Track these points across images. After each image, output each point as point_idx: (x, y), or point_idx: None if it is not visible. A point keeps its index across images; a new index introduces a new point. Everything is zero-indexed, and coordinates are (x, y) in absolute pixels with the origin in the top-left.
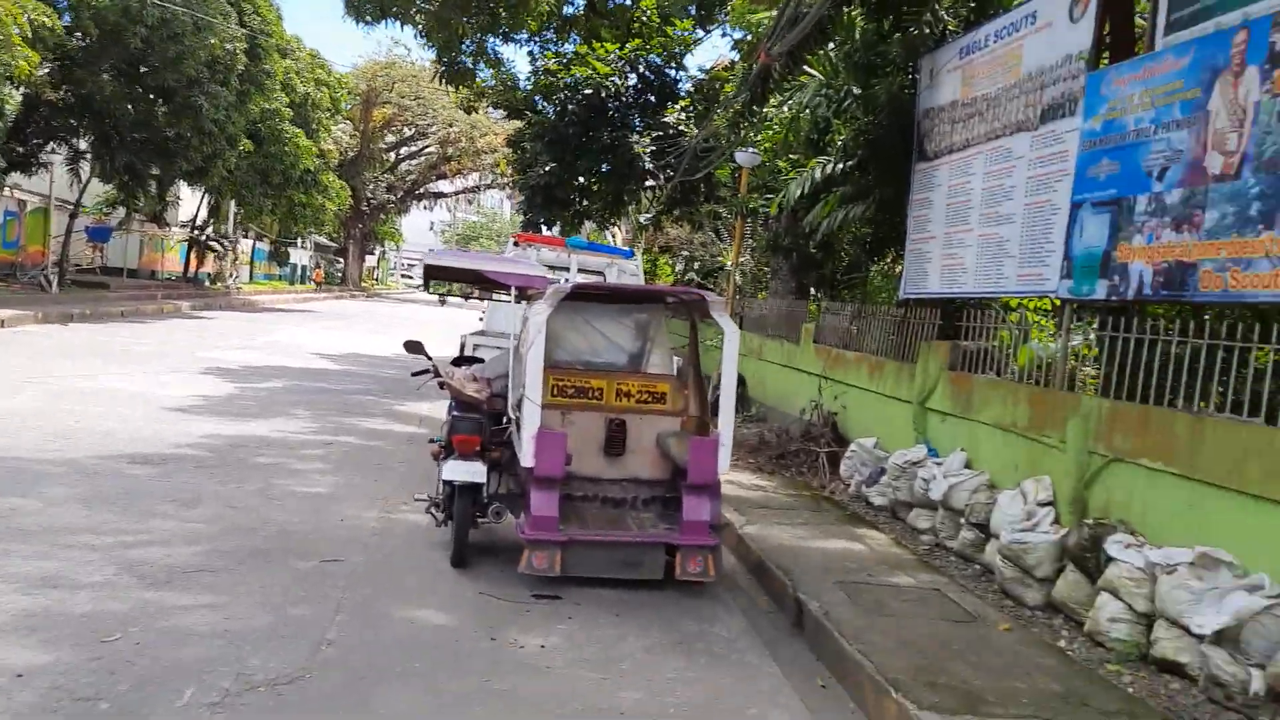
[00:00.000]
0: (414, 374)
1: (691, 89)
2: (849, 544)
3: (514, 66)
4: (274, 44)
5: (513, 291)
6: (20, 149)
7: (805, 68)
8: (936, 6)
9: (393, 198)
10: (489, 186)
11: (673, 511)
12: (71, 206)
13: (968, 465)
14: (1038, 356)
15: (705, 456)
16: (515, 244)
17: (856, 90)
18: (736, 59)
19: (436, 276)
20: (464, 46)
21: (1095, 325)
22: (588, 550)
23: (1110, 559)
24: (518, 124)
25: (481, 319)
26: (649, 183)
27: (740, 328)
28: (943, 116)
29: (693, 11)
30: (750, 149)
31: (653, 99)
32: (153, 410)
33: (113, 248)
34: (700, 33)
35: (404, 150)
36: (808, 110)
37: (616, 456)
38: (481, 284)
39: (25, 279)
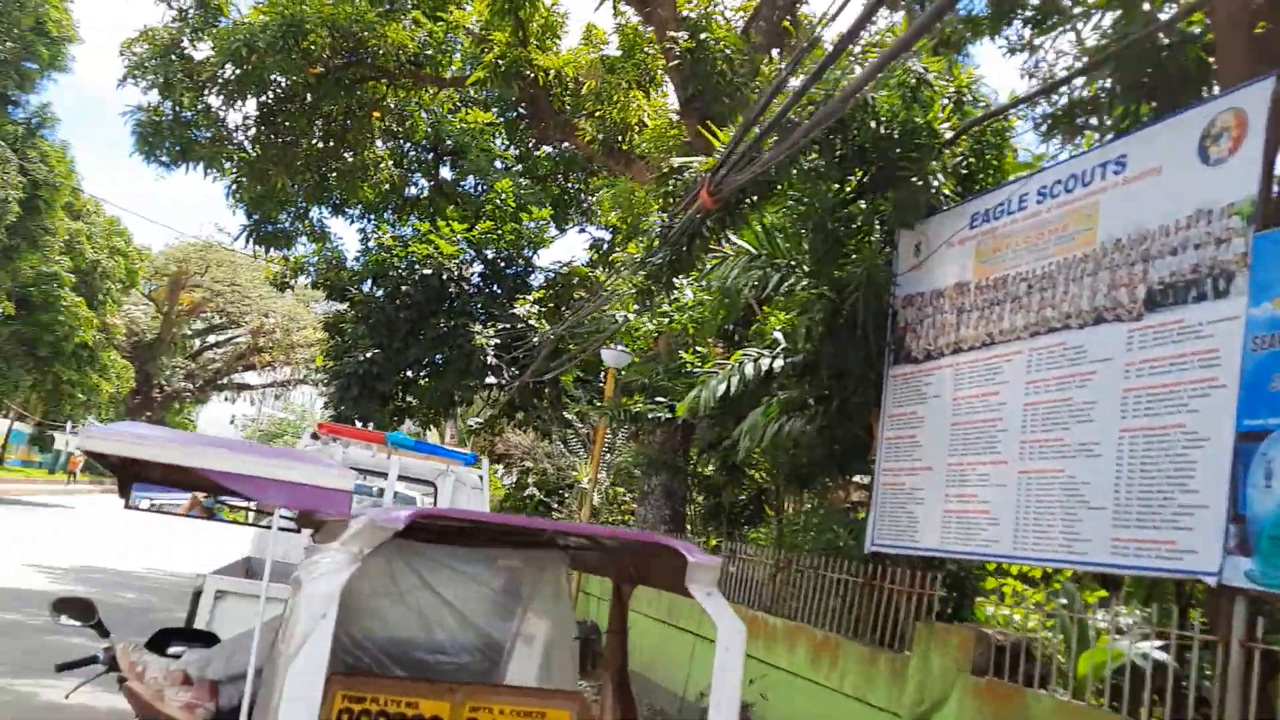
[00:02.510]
0: (60, 666)
1: (544, 284)
2: None
3: (341, 244)
4: (62, 201)
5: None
6: None
7: (730, 235)
8: (937, 161)
9: (191, 386)
10: (301, 382)
11: None
12: None
13: None
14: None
15: None
16: (315, 437)
17: (806, 267)
18: (594, 259)
19: (134, 474)
20: (284, 214)
21: None
22: None
23: None
24: (331, 314)
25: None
26: (490, 380)
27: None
28: (940, 305)
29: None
30: (619, 346)
31: (498, 290)
32: None
33: None
34: (553, 230)
35: (211, 338)
36: (742, 287)
37: None
38: (217, 491)
39: None
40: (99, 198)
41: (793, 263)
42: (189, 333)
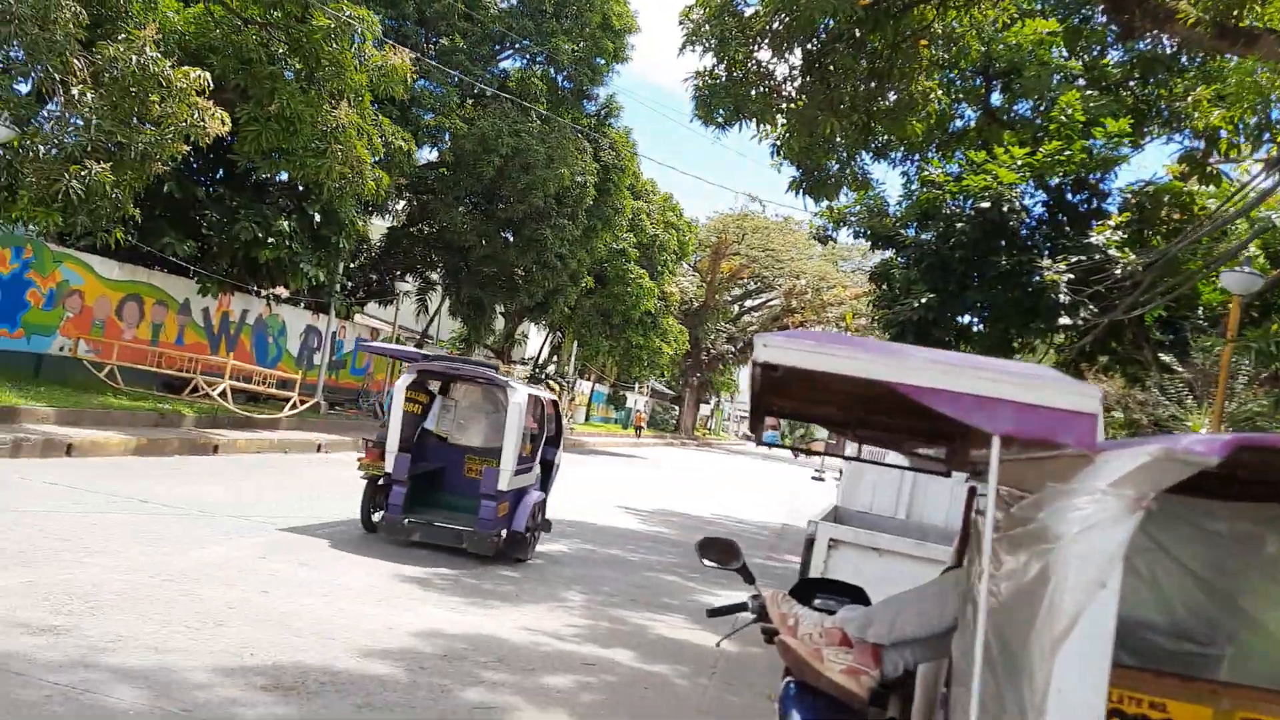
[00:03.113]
0: (712, 612)
1: (1123, 206)
2: None
3: (884, 189)
4: (627, 182)
5: (991, 454)
6: (376, 278)
7: None
8: None
9: (732, 349)
10: None
11: None
12: (418, 336)
13: None
14: None
15: None
16: None
17: None
18: (1181, 173)
19: (768, 404)
20: (828, 163)
21: None
22: None
23: None
24: (876, 263)
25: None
26: (1063, 321)
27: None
28: None
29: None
30: (1245, 267)
31: (1063, 217)
32: (367, 585)
33: None
34: (1125, 148)
35: (748, 303)
36: None
37: None
38: (867, 419)
39: (365, 406)
40: (661, 163)
41: None
42: (729, 299)
